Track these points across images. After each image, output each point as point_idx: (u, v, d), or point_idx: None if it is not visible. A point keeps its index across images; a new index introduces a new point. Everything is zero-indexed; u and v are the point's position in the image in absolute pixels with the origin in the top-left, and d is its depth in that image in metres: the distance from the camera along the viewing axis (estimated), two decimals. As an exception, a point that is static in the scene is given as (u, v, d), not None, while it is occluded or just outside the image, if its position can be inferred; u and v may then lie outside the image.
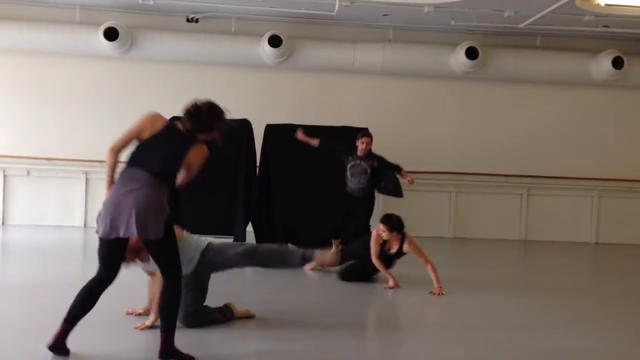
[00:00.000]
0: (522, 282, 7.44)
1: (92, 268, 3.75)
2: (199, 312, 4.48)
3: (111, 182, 3.73)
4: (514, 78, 11.17)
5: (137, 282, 4.85)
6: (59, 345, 3.68)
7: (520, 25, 10.29)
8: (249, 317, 4.79)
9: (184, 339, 4.18)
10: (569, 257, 9.77)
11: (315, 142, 7.84)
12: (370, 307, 5.95)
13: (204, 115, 3.80)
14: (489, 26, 10.58)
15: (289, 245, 4.66)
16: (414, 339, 4.63)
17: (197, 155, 3.80)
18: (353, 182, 7.58)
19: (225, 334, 3.93)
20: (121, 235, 3.58)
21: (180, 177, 3.82)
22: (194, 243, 4.51)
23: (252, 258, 4.54)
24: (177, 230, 4.10)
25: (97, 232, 3.67)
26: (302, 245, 7.67)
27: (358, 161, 7.57)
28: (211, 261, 4.46)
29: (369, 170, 7.57)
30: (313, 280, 6.77)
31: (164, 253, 3.72)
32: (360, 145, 7.57)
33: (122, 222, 3.55)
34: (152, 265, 4.32)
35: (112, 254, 3.72)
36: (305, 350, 4.17)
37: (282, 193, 9.03)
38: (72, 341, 3.74)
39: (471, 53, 10.51)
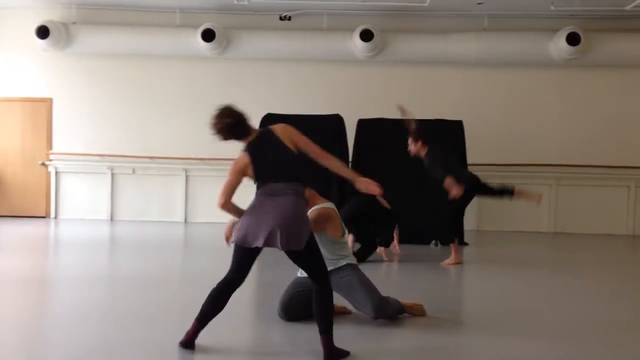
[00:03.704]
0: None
1: (193, 261, 3.87)
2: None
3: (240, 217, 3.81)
4: (619, 63, 10.56)
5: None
6: (189, 342, 3.80)
7: (627, 8, 9.71)
8: (345, 313, 4.81)
9: (279, 334, 4.26)
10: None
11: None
12: (475, 298, 5.82)
13: (231, 118, 3.85)
14: (592, 10, 10.06)
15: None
16: (535, 335, 4.47)
17: (286, 133, 3.77)
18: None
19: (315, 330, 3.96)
20: (260, 245, 3.66)
21: (314, 154, 3.79)
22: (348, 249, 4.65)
23: (378, 308, 4.44)
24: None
25: (233, 240, 3.78)
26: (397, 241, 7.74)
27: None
28: (342, 283, 4.49)
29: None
30: (413, 275, 6.71)
31: (307, 262, 3.78)
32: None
33: (263, 233, 3.63)
34: None
35: (247, 260, 3.81)
36: (400, 350, 4.14)
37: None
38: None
39: (572, 39, 10.03)
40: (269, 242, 3.63)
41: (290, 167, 3.74)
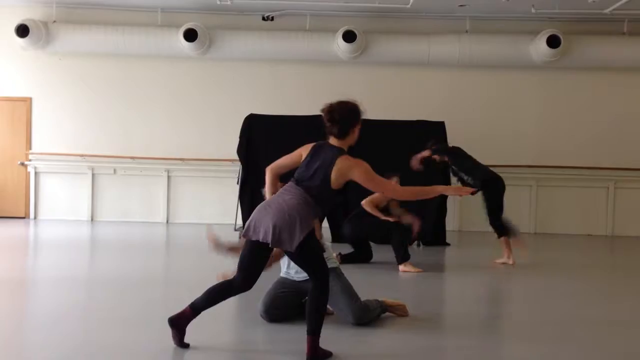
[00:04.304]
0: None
1: (175, 263, 3.85)
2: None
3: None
4: (599, 66, 10.70)
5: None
6: (177, 323, 3.78)
7: (606, 11, 9.83)
8: (327, 313, 4.78)
9: (261, 335, 4.25)
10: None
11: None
12: (476, 302, 5.85)
13: (336, 114, 3.80)
14: (572, 12, 10.17)
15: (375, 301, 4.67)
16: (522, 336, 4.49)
17: (345, 166, 3.66)
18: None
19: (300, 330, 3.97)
20: (260, 239, 3.63)
21: (389, 194, 3.89)
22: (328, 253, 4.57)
23: (359, 316, 4.44)
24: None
25: (243, 234, 3.77)
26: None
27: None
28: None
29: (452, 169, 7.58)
30: (396, 275, 6.73)
31: (303, 263, 3.75)
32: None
33: (263, 228, 3.62)
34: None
35: (250, 258, 3.75)
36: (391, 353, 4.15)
37: (358, 190, 8.98)
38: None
39: (553, 41, 10.14)
40: (265, 238, 3.60)
41: (316, 188, 3.69)
